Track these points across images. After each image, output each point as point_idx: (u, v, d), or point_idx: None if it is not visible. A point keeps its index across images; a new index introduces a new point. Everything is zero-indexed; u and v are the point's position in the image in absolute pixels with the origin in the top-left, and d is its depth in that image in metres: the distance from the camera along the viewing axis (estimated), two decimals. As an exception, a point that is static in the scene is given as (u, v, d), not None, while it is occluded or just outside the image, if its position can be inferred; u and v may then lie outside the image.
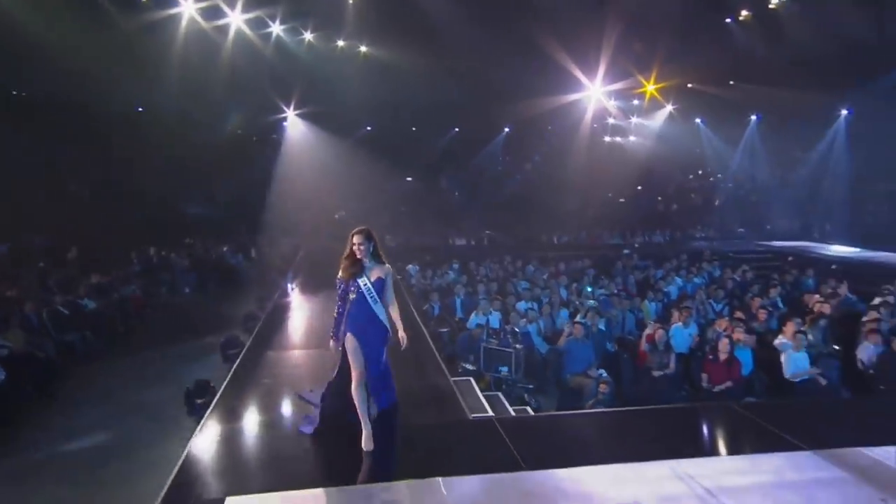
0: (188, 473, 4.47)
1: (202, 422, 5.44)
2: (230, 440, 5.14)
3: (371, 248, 4.63)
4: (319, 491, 4.12)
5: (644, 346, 8.75)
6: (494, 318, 9.92)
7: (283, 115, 22.20)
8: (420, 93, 20.33)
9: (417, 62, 18.92)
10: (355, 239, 4.61)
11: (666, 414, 6.10)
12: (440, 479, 4.20)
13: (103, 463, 6.50)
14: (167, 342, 10.81)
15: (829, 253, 17.61)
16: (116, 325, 11.66)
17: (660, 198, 25.78)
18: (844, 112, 21.77)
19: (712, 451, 5.07)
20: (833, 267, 14.89)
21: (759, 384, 8.01)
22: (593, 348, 8.73)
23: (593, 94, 22.31)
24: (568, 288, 12.65)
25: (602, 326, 9.64)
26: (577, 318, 9.53)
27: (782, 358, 7.87)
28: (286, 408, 5.91)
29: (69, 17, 14.06)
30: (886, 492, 4.01)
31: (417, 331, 8.43)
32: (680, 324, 9.20)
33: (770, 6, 18.15)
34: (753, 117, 24.14)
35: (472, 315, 10.15)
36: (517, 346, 8.50)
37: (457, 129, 25.11)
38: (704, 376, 7.78)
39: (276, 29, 18.57)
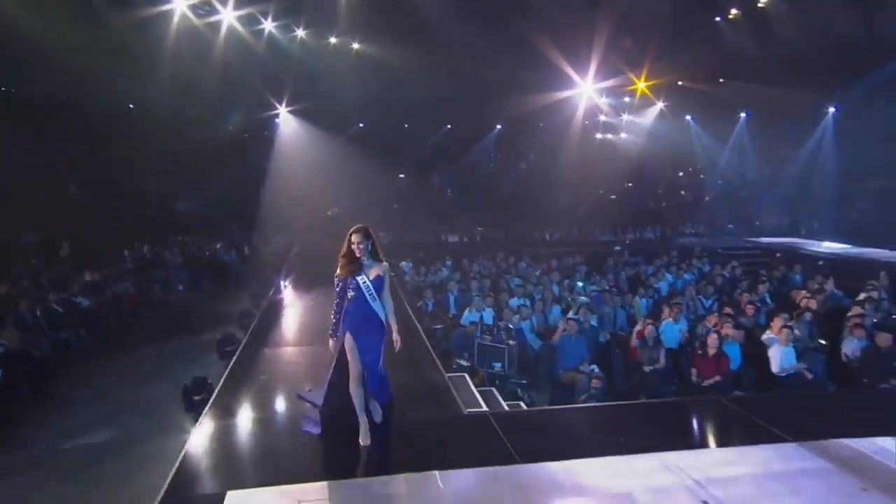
0: (189, 468, 4.54)
1: (201, 418, 5.50)
2: (229, 436, 5.20)
3: (369, 246, 4.63)
4: (319, 484, 4.19)
5: (634, 341, 8.89)
6: (488, 315, 10.00)
7: (276, 112, 22.12)
8: (412, 90, 20.34)
9: (410, 59, 18.93)
10: (354, 237, 4.59)
11: (656, 408, 6.25)
12: (437, 472, 4.29)
13: (101, 460, 6.54)
14: (162, 339, 10.83)
15: (816, 249, 17.82)
16: (110, 323, 11.65)
17: (650, 195, 25.95)
18: (832, 110, 21.99)
19: (701, 444, 5.21)
20: (820, 263, 15.12)
21: (747, 378, 8.17)
22: (585, 344, 8.85)
23: (585, 91, 22.39)
24: (560, 284, 12.78)
25: (594, 323, 9.77)
26: (570, 315, 9.66)
27: (770, 353, 8.03)
28: (284, 404, 5.98)
29: (60, 13, 13.95)
30: (867, 481, 4.14)
31: (412, 327, 8.51)
32: (670, 320, 9.34)
33: (759, 5, 18.35)
34: (743, 115, 24.32)
35: (466, 312, 10.25)
36: (510, 342, 8.63)
37: (449, 126, 25.13)
38: (694, 371, 7.93)
39: (269, 26, 18.48)
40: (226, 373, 6.86)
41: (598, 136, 27.02)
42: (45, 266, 13.83)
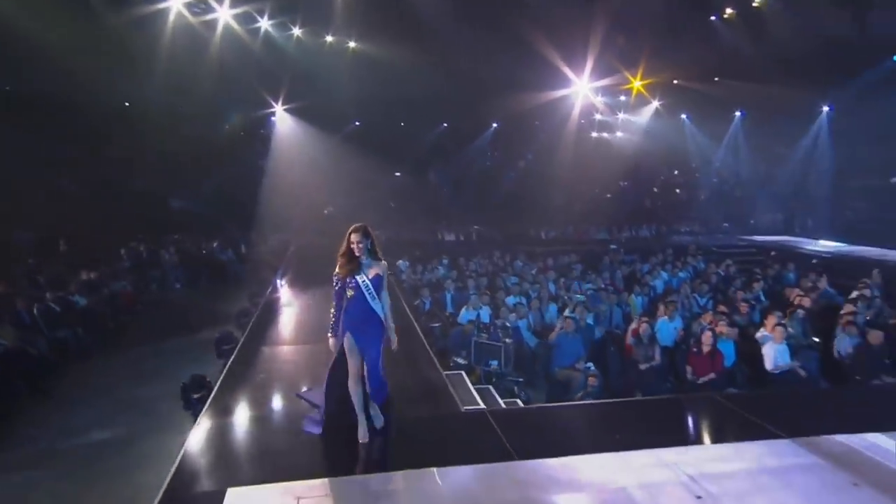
0: (189, 466, 4.57)
1: (200, 416, 5.53)
2: (228, 433, 5.24)
3: (368, 245, 4.64)
4: (318, 481, 4.22)
5: (630, 339, 8.96)
6: (484, 313, 10.06)
7: (272, 110, 22.07)
8: (409, 88, 20.29)
9: (406, 57, 18.90)
10: (353, 236, 4.60)
11: (652, 405, 6.31)
12: (435, 469, 4.33)
13: (100, 458, 6.57)
14: (159, 338, 10.84)
15: (810, 248, 17.95)
16: (108, 322, 11.64)
17: (646, 194, 26.04)
18: (826, 109, 22.10)
19: (696, 440, 5.27)
20: (814, 261, 15.23)
21: (741, 375, 8.26)
22: (582, 342, 8.91)
23: (580, 89, 22.42)
24: (556, 283, 12.84)
25: (590, 321, 9.83)
26: (566, 313, 9.72)
27: (764, 350, 8.11)
28: (282, 402, 6.02)
29: (57, 12, 13.92)
30: (858, 476, 4.21)
31: (409, 326, 8.55)
32: (665, 318, 9.41)
33: (754, 4, 18.41)
34: (738, 113, 24.42)
35: (463, 310, 10.29)
36: (507, 340, 8.69)
37: (445, 125, 25.12)
38: (689, 368, 7.99)
39: (265, 24, 18.46)
40: (224, 371, 6.89)
41: (594, 134, 27.06)
42: (43, 265, 13.80)
